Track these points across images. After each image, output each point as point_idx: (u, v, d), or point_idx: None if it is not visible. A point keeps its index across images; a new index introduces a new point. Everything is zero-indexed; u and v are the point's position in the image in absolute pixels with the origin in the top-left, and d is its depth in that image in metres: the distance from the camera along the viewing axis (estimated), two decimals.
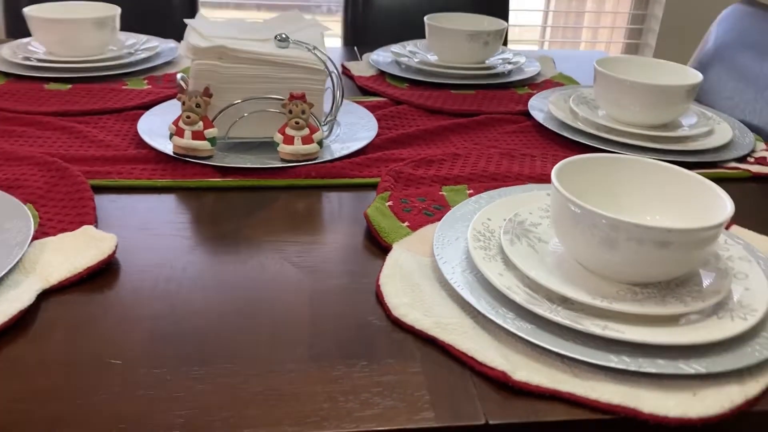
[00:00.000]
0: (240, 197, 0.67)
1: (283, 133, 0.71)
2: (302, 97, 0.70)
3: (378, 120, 0.87)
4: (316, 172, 0.71)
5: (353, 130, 0.82)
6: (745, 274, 0.53)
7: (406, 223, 0.61)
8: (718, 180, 0.76)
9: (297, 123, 0.70)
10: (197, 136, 0.70)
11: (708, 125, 0.85)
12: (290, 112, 0.71)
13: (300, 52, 0.74)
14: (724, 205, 0.50)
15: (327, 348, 0.46)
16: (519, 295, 0.48)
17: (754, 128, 0.99)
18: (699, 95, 1.17)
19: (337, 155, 0.74)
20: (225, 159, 0.72)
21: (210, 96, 0.70)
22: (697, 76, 0.84)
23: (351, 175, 0.71)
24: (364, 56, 1.17)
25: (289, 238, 0.60)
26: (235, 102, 0.72)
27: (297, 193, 0.68)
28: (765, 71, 1.06)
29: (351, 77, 1.07)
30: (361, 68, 1.11)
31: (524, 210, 0.59)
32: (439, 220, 0.62)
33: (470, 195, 0.68)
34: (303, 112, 0.70)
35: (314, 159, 0.72)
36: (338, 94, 0.79)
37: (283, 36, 0.74)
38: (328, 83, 0.78)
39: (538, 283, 0.49)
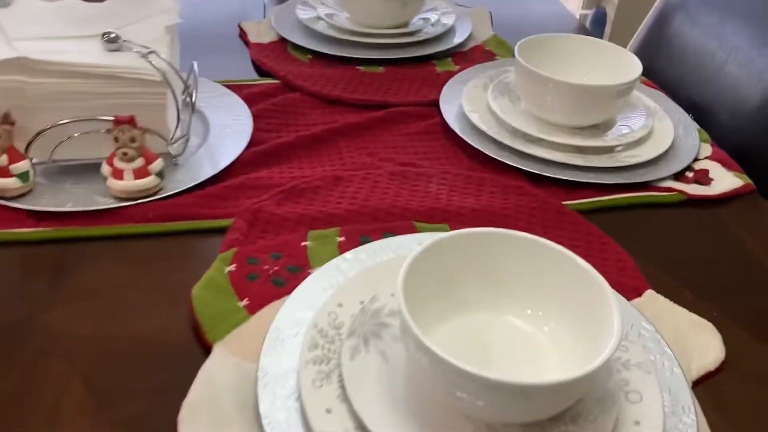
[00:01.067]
0: (55, 252, 0.55)
1: (112, 165, 0.58)
2: (130, 121, 0.56)
3: (258, 117, 0.72)
4: (154, 213, 0.58)
5: (221, 137, 0.68)
6: (640, 395, 0.42)
7: (245, 302, 0.50)
8: (649, 206, 0.64)
9: (125, 154, 0.57)
10: (0, 173, 0.56)
11: (645, 127, 0.72)
12: (116, 140, 0.57)
13: (135, 58, 0.59)
14: (611, 324, 0.39)
15: None
16: None
17: (704, 107, 0.86)
18: (657, 45, 1.02)
19: (185, 186, 0.61)
20: (42, 198, 0.58)
21: (12, 123, 0.56)
22: (634, 71, 0.69)
23: (200, 215, 0.58)
24: (270, 12, 0.99)
25: (90, 329, 0.48)
26: (49, 126, 0.58)
27: (128, 245, 0.56)
28: (726, 37, 0.92)
29: (247, 44, 0.91)
30: (261, 31, 0.94)
31: (386, 288, 0.48)
32: (289, 293, 0.50)
33: (340, 245, 0.56)
34: (133, 140, 0.57)
35: (154, 194, 0.59)
36: (188, 109, 0.64)
37: (112, 35, 0.59)
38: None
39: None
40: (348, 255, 0.53)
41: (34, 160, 0.59)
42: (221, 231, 0.57)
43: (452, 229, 0.58)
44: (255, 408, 0.42)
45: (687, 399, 0.43)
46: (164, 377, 0.44)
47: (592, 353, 0.40)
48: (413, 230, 0.58)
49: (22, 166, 0.57)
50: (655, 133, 0.73)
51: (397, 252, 0.53)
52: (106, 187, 0.59)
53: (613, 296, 0.41)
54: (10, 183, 0.57)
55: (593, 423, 0.40)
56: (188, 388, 0.43)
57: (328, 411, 0.40)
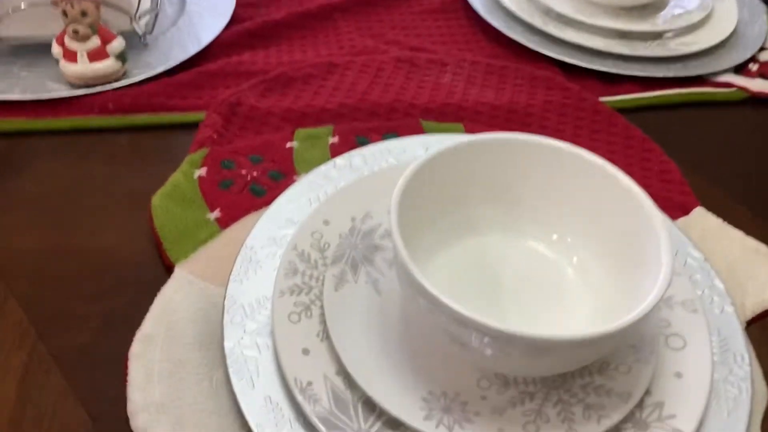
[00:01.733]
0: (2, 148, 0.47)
1: (63, 45, 0.49)
2: None
3: None
4: (114, 103, 0.49)
5: (197, 13, 0.58)
6: (683, 340, 0.35)
7: (215, 213, 0.42)
8: (703, 104, 0.54)
9: (76, 32, 0.47)
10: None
11: (703, 8, 0.61)
12: (65, 14, 0.47)
13: None
14: (657, 258, 0.31)
15: None
16: (322, 402, 0.31)
17: None
18: None
19: (152, 71, 0.52)
20: None
21: None
22: None
23: (169, 107, 0.50)
24: None
25: (32, 242, 0.41)
26: None
27: (82, 142, 0.48)
28: None
29: None
30: None
31: (383, 203, 0.39)
32: (269, 204, 0.42)
33: (332, 147, 0.47)
34: (84, 14, 0.47)
35: (115, 81, 0.50)
36: None
37: None
38: None
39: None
40: (339, 160, 0.44)
41: None
42: (193, 127, 0.48)
43: (467, 129, 0.49)
44: (219, 345, 0.35)
45: (740, 345, 0.36)
46: (116, 303, 0.38)
47: (630, 292, 0.32)
48: (420, 131, 0.49)
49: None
50: (714, 16, 0.61)
51: (399, 158, 0.45)
52: (60, 72, 0.50)
53: (661, 222, 0.32)
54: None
55: (625, 375, 0.32)
56: (143, 316, 0.36)
57: (305, 352, 0.33)
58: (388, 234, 0.37)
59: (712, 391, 0.33)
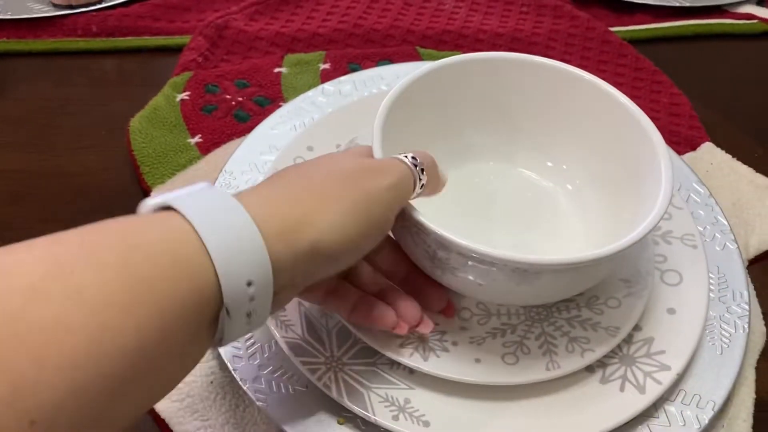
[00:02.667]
0: None
1: None
2: None
3: None
4: (98, 25, 0.47)
5: None
6: (680, 275, 0.33)
7: (197, 138, 0.40)
8: (719, 36, 0.51)
9: None
10: None
11: None
12: None
13: None
14: (656, 186, 0.29)
15: None
16: (294, 328, 0.30)
17: None
18: None
19: None
20: None
21: None
22: None
23: (154, 30, 0.47)
24: None
25: (9, 163, 0.40)
26: None
27: (64, 64, 0.46)
28: None
29: None
30: None
31: (370, 128, 0.37)
32: (251, 131, 0.40)
33: (323, 73, 0.45)
34: None
35: (98, 2, 0.48)
36: None
37: None
38: None
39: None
40: (328, 86, 0.42)
41: None
42: (179, 51, 0.46)
43: None
44: None
45: (740, 283, 0.34)
46: None
47: (625, 221, 0.30)
48: (417, 58, 0.46)
49: None
50: None
51: (391, 84, 0.42)
52: None
53: (663, 149, 0.30)
54: None
55: (614, 309, 0.31)
56: None
57: None
58: None
59: (705, 328, 0.31)
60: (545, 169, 0.35)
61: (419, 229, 0.27)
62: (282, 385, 0.29)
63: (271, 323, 0.30)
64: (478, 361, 0.29)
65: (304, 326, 0.30)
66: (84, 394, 0.16)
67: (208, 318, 0.20)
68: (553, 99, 0.34)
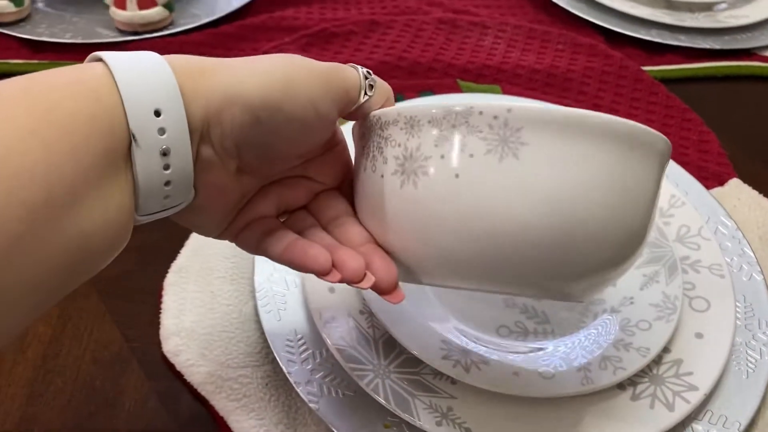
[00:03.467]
0: None
1: None
2: None
3: None
4: (161, 51, 0.50)
5: None
6: (707, 302, 0.35)
7: None
8: (748, 78, 0.53)
9: None
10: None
11: None
12: None
13: None
14: None
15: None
16: (344, 337, 0.32)
17: None
18: None
19: (198, 21, 0.53)
20: (39, 26, 0.52)
21: None
22: None
23: (212, 57, 0.51)
24: None
25: None
26: None
27: None
28: None
29: None
30: None
31: None
32: None
33: None
34: None
35: (161, 29, 0.52)
36: None
37: None
38: None
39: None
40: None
41: None
42: None
43: (504, 91, 0.49)
44: (250, 280, 0.36)
45: (765, 311, 0.36)
46: (153, 236, 0.39)
47: None
48: (457, 90, 0.49)
49: None
50: None
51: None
52: (110, 18, 0.52)
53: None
54: (2, 6, 0.50)
55: (646, 332, 0.33)
56: (178, 250, 0.38)
57: (331, 290, 0.34)
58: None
59: (732, 352, 0.33)
60: None
61: (377, 121, 0.24)
62: (332, 389, 0.31)
63: (323, 331, 0.32)
64: (516, 374, 0.31)
65: (354, 335, 0.32)
66: None
67: (121, 152, 0.19)
68: None
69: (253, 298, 0.35)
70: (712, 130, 0.47)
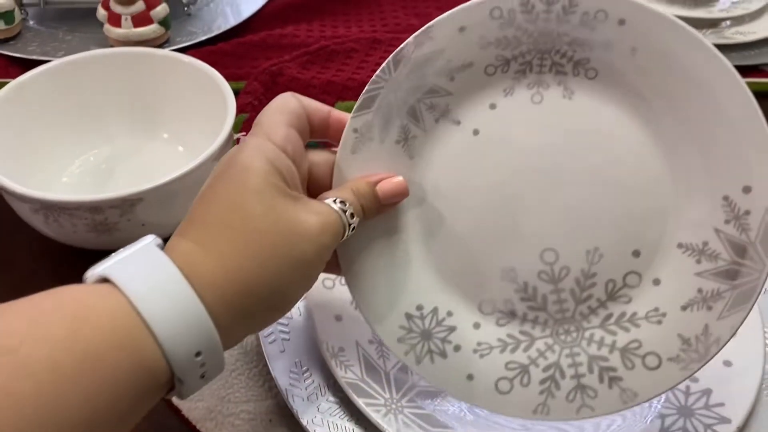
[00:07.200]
0: None
1: (108, 9, 0.49)
2: None
3: None
4: None
5: None
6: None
7: None
8: (757, 95, 0.52)
9: None
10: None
11: None
12: None
13: None
14: None
15: None
16: (353, 368, 0.30)
17: None
18: None
19: (194, 39, 0.51)
20: (30, 45, 0.50)
21: None
22: None
23: None
24: None
25: None
26: None
27: None
28: None
29: None
30: None
31: None
32: None
33: None
34: None
35: (158, 47, 0.50)
36: None
37: None
38: None
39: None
40: None
41: (23, 0, 0.51)
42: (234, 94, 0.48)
43: None
44: None
45: None
46: None
47: None
48: None
49: (6, 4, 0.48)
50: None
51: None
52: (104, 36, 0.50)
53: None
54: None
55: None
56: None
57: (338, 318, 0.32)
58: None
59: (762, 381, 0.31)
60: None
61: None
62: (341, 424, 0.29)
63: (331, 363, 0.30)
64: (470, 378, 0.27)
65: (363, 367, 0.30)
66: None
67: (160, 383, 0.20)
68: None
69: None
70: None
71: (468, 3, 0.27)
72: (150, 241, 0.22)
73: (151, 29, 0.49)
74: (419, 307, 0.28)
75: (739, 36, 0.55)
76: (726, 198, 0.25)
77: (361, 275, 0.28)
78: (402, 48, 0.27)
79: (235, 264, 0.22)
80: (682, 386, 0.30)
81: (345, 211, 0.25)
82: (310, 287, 0.24)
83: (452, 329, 0.28)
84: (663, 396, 0.30)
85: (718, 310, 0.26)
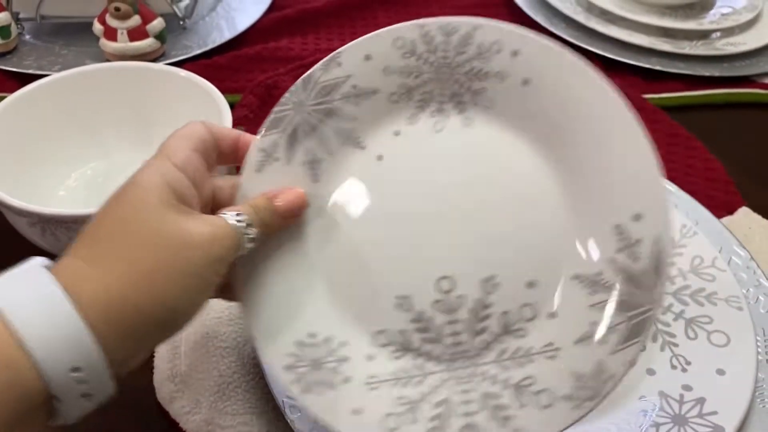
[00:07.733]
0: None
1: (104, 23, 0.49)
2: None
3: None
4: None
5: None
6: (727, 337, 0.33)
7: None
8: (749, 105, 0.53)
9: (117, 10, 0.47)
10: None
11: (752, 8, 0.59)
12: None
13: None
14: None
15: None
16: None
17: None
18: None
19: (190, 52, 0.52)
20: (27, 59, 0.50)
21: None
22: None
23: None
24: None
25: None
26: None
27: None
28: None
29: None
30: None
31: None
32: None
33: None
34: None
35: (153, 60, 0.51)
36: None
37: None
38: None
39: None
40: None
41: (19, 15, 0.51)
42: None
43: None
44: None
45: None
46: None
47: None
48: None
49: (2, 18, 0.48)
50: (763, 15, 0.59)
51: None
52: (100, 50, 0.50)
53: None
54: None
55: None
56: None
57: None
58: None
59: (755, 389, 0.32)
60: None
61: None
62: None
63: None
64: (356, 412, 0.25)
65: None
66: None
67: (36, 402, 0.20)
68: None
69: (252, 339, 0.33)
70: (718, 158, 0.47)
71: (375, 32, 0.28)
72: (35, 262, 0.22)
73: (147, 43, 0.49)
74: (312, 335, 0.26)
75: (730, 47, 0.56)
76: (618, 227, 0.25)
77: (256, 297, 0.27)
78: (311, 72, 0.28)
79: (120, 279, 0.22)
80: (676, 395, 0.31)
81: (240, 221, 0.24)
82: (203, 303, 0.24)
83: (344, 360, 0.26)
84: (657, 405, 0.30)
85: (612, 344, 0.24)
